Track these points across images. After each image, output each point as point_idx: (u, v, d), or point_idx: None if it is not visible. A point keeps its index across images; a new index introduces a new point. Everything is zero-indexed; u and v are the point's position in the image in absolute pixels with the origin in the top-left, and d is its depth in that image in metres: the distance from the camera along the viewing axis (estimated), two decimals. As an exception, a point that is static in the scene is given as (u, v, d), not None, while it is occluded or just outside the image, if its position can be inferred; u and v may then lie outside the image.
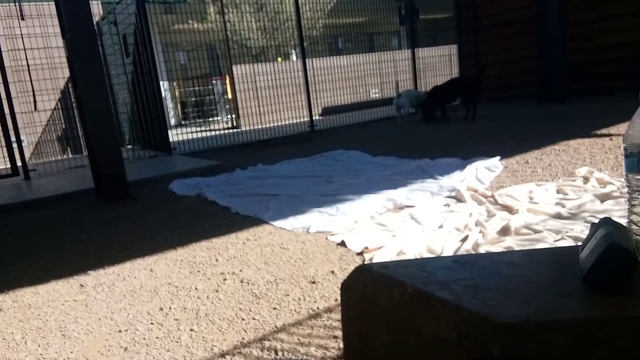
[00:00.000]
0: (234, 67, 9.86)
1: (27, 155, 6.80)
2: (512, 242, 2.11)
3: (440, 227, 2.46)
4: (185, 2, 10.88)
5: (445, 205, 2.86)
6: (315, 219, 2.86)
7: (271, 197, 3.56)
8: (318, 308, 1.77)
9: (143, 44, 6.58)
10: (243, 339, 1.62)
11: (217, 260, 2.42)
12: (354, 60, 10.51)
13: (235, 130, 9.36)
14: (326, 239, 2.54)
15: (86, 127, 4.25)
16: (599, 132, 4.39)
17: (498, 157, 3.85)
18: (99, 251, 2.80)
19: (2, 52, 5.71)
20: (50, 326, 1.89)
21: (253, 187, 3.99)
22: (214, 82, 11.78)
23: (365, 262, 2.13)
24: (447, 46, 10.33)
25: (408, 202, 2.99)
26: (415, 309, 0.81)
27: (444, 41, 10.67)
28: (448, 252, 2.10)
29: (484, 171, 3.52)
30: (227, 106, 11.18)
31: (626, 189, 0.81)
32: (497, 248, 2.08)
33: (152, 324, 1.81)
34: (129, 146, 8.20)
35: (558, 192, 2.78)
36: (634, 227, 0.80)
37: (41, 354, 1.68)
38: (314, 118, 8.28)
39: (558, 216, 2.37)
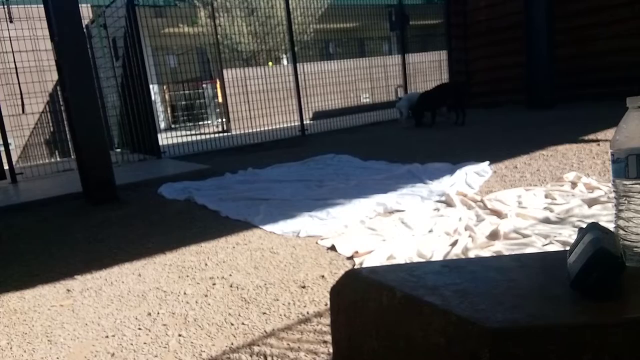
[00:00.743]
0: (224, 71, 9.84)
1: (14, 158, 6.72)
2: (501, 247, 2.12)
3: (430, 231, 2.46)
4: (176, 5, 10.85)
5: (435, 209, 2.87)
6: (305, 223, 2.86)
7: (261, 201, 3.54)
8: (308, 313, 1.76)
9: (133, 47, 6.55)
10: (232, 344, 1.61)
11: (206, 264, 2.41)
12: (344, 65, 10.54)
13: (225, 134, 9.34)
14: (316, 243, 2.53)
15: (74, 131, 4.22)
16: (586, 137, 4.44)
17: (487, 162, 3.88)
18: (86, 255, 2.77)
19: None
20: (36, 331, 1.87)
21: (243, 191, 3.97)
22: (204, 85, 11.75)
23: (355, 267, 2.13)
24: (437, 52, 10.40)
25: (398, 207, 2.99)
26: (404, 314, 0.80)
27: (433, 47, 10.76)
28: (438, 256, 2.11)
29: (473, 176, 3.54)
30: (218, 110, 11.15)
31: (613, 194, 0.82)
32: (486, 252, 2.08)
33: (139, 329, 1.79)
34: (118, 150, 8.15)
35: (546, 196, 2.80)
36: (621, 232, 0.81)
37: (26, 360, 1.65)
38: (304, 122, 8.30)
39: (546, 221, 2.39)
